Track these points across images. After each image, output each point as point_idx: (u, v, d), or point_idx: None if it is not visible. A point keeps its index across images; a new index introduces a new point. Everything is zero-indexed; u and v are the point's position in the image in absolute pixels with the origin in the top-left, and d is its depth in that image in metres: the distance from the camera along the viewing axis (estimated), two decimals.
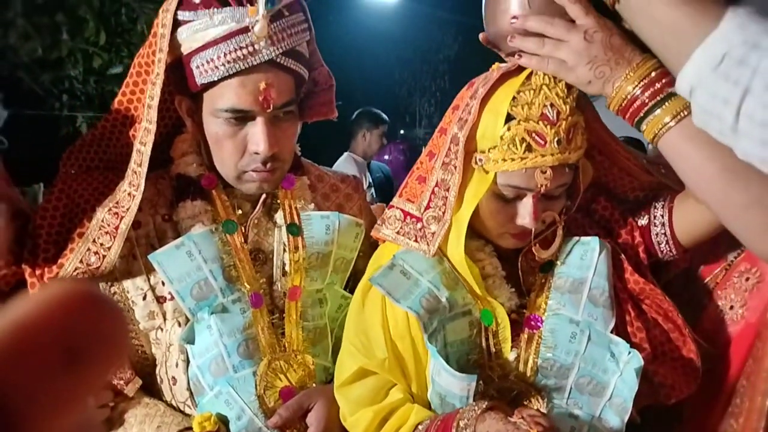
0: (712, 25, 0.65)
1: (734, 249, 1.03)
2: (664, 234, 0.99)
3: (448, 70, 13.32)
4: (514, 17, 0.85)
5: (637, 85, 0.78)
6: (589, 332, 0.90)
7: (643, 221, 1.01)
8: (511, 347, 0.91)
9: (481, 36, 0.94)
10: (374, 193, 3.33)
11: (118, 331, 0.22)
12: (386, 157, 4.05)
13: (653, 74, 0.77)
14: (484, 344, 0.90)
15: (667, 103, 0.77)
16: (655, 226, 1.00)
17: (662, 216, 0.99)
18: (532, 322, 0.92)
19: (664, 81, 0.77)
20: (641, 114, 0.79)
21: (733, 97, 0.62)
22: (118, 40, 3.27)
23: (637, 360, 0.86)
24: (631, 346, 0.89)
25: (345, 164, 3.37)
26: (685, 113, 0.75)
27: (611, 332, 0.90)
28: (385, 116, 3.61)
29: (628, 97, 0.79)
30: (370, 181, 3.37)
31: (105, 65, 2.91)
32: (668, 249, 0.99)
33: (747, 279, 1.03)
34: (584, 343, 0.89)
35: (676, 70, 0.72)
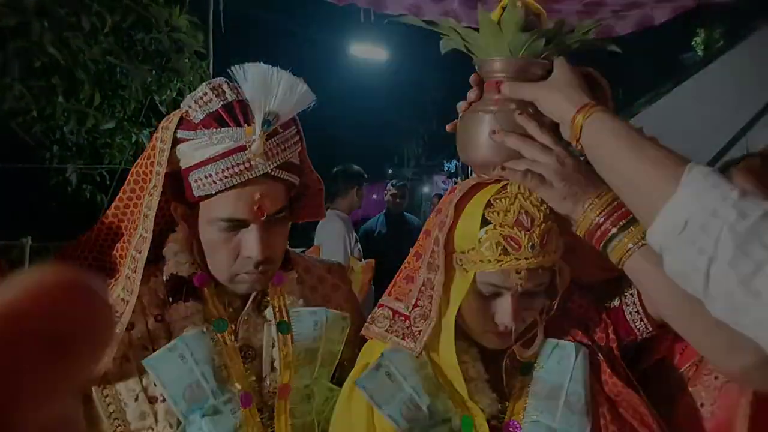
0: (672, 187, 0.68)
1: None
2: (637, 312, 1.02)
3: (436, 114, 13.61)
4: (493, 131, 0.92)
5: (600, 213, 0.84)
6: None
7: (615, 302, 1.04)
8: None
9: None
10: (360, 249, 3.34)
11: (105, 320, 0.21)
12: (374, 196, 4.04)
13: (616, 202, 0.83)
14: None
15: (630, 229, 0.82)
16: (627, 305, 1.03)
17: (632, 295, 1.02)
18: (511, 429, 0.94)
19: (625, 208, 0.82)
20: (606, 239, 0.84)
21: (701, 264, 0.64)
22: (109, 92, 3.32)
23: None
24: None
25: (330, 220, 3.35)
26: (645, 241, 0.79)
27: None
28: (361, 171, 3.57)
29: (593, 223, 0.85)
30: (356, 236, 3.38)
31: (98, 121, 2.96)
32: (644, 326, 1.01)
33: (716, 377, 1.07)
34: None
35: (637, 216, 0.77)
